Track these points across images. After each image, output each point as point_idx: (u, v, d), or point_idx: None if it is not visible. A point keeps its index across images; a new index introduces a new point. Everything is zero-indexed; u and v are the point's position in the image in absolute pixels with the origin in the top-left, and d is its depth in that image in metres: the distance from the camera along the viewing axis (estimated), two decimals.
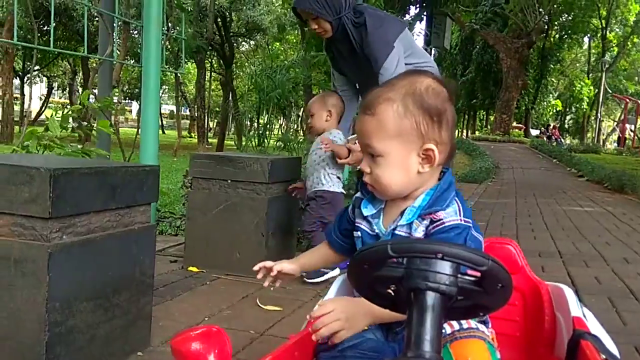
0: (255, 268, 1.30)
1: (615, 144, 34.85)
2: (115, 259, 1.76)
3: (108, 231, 1.72)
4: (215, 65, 28.90)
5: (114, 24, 3.56)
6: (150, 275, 1.93)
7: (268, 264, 1.29)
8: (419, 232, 1.11)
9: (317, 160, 3.03)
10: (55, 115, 2.77)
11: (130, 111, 48.63)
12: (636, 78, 42.43)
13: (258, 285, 2.85)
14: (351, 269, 0.88)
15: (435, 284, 0.79)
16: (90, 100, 3.35)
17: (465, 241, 1.08)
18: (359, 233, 1.21)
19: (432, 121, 1.09)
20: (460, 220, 1.09)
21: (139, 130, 3.05)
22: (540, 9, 23.33)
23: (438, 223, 1.09)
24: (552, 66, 34.01)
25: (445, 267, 0.80)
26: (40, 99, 36.34)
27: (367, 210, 1.19)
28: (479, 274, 0.80)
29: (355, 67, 3.06)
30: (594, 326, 1.17)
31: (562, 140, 31.67)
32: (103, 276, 1.71)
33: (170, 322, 2.26)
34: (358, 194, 1.25)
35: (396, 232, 1.13)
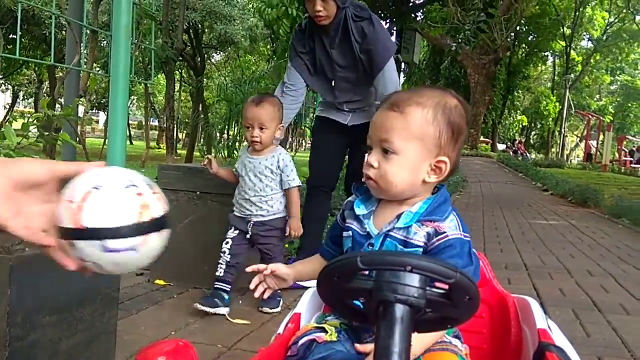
0: (249, 269, 1.27)
1: (578, 159, 35.74)
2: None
3: None
4: (185, 76, 28.71)
5: (82, 33, 3.51)
6: (115, 288, 1.89)
7: (262, 266, 1.26)
8: (419, 236, 1.12)
9: (270, 186, 2.68)
10: (10, 125, 2.71)
11: (97, 121, 47.92)
12: (597, 95, 43.67)
13: None
14: (321, 281, 0.88)
15: (404, 296, 0.79)
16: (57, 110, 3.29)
17: (470, 255, 1.12)
18: (349, 233, 1.21)
19: (452, 137, 1.13)
20: (461, 234, 1.12)
21: (106, 140, 3.00)
22: (507, 26, 23.84)
23: (442, 236, 1.11)
24: (518, 82, 34.80)
25: (414, 280, 0.80)
26: (5, 107, 35.52)
27: (360, 210, 1.20)
28: (447, 287, 0.81)
29: (339, 62, 2.98)
30: (559, 338, 1.19)
31: (528, 154, 32.35)
32: (66, 289, 1.66)
33: (135, 336, 2.22)
34: (350, 197, 1.26)
35: (391, 233, 1.14)
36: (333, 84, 3.09)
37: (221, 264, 2.66)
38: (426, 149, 1.12)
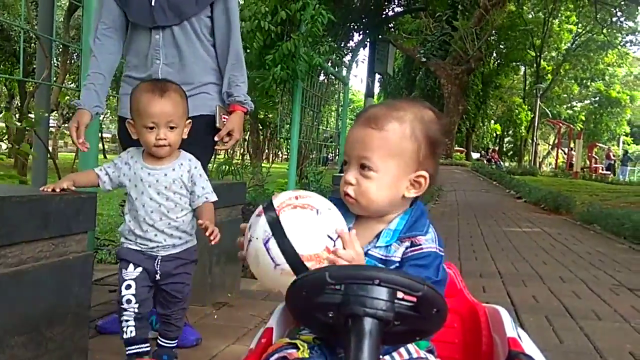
0: None
1: (551, 166, 36.32)
2: (49, 290, 1.69)
3: (41, 261, 1.66)
4: None
5: (52, 47, 3.47)
6: (86, 306, 1.87)
7: None
8: (398, 253, 1.12)
9: (180, 205, 1.96)
10: None
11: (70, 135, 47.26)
12: (564, 106, 44.49)
13: (201, 314, 2.79)
14: (290, 296, 0.88)
15: (373, 309, 0.80)
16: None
17: (438, 270, 1.11)
18: None
19: (430, 151, 1.13)
20: (436, 248, 1.12)
21: (77, 154, 2.97)
22: (479, 37, 24.21)
23: (417, 248, 1.11)
24: (491, 92, 35.33)
25: (382, 293, 0.81)
26: None
27: None
28: (415, 299, 0.82)
29: None
30: (529, 346, 1.20)
31: (501, 163, 32.77)
32: (36, 309, 1.64)
33: (107, 356, 2.19)
34: None
35: (370, 252, 1.13)
36: (153, 3, 2.29)
37: (127, 319, 1.86)
38: (405, 164, 1.11)
